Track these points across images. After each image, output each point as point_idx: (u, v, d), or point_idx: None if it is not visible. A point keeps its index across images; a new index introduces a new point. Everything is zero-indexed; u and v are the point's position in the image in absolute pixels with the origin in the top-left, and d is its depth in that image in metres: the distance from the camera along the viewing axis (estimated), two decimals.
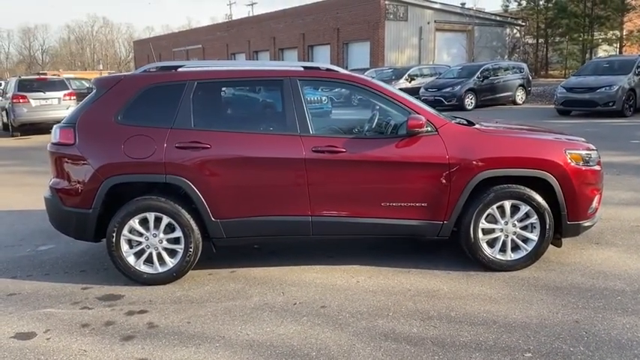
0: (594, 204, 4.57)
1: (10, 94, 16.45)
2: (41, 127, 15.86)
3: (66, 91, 16.86)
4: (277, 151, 4.28)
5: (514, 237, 4.42)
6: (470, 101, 19.99)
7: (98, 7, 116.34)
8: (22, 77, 18.12)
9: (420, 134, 4.28)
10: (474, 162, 4.27)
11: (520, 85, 21.39)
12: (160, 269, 4.35)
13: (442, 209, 4.34)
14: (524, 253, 4.43)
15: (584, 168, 4.44)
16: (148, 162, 4.22)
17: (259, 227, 4.36)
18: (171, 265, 4.35)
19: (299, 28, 36.86)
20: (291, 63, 4.85)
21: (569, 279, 4.27)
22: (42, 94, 16.36)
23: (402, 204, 4.33)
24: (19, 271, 4.78)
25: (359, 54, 32.52)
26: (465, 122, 4.84)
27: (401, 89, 22.32)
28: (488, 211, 4.36)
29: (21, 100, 16.02)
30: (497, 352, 3.22)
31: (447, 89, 20.18)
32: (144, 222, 4.30)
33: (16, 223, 6.37)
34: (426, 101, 20.62)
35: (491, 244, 4.45)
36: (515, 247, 4.46)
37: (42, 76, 20.46)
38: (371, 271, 4.53)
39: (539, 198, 4.34)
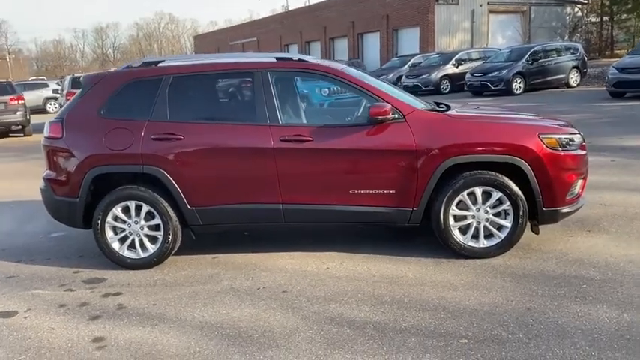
0: (576, 190, 4.43)
1: (65, 91, 17.47)
2: None
3: None
4: (247, 141, 4.41)
5: (487, 224, 4.36)
6: (518, 85, 19.27)
7: (165, 3, 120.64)
8: (75, 75, 19.15)
9: (386, 122, 4.29)
10: (442, 149, 4.23)
11: (574, 67, 20.33)
12: (142, 254, 4.61)
13: (411, 196, 4.33)
14: (498, 240, 4.36)
15: (562, 153, 4.30)
16: (126, 154, 4.47)
17: (233, 215, 4.53)
18: (152, 251, 4.60)
19: (349, 17, 36.69)
20: (267, 55, 4.96)
21: (542, 266, 4.17)
22: None
23: (370, 191, 4.36)
24: (25, 256, 5.19)
25: (409, 40, 32.03)
26: (444, 107, 4.79)
27: (447, 75, 21.46)
28: (459, 197, 4.31)
29: None
30: (434, 337, 3.23)
31: (494, 73, 19.53)
32: (126, 210, 4.57)
33: (38, 211, 6.84)
34: (472, 86, 20.29)
35: (464, 231, 4.40)
36: (490, 235, 4.39)
37: None
38: (344, 258, 4.60)
39: (511, 184, 4.25)
